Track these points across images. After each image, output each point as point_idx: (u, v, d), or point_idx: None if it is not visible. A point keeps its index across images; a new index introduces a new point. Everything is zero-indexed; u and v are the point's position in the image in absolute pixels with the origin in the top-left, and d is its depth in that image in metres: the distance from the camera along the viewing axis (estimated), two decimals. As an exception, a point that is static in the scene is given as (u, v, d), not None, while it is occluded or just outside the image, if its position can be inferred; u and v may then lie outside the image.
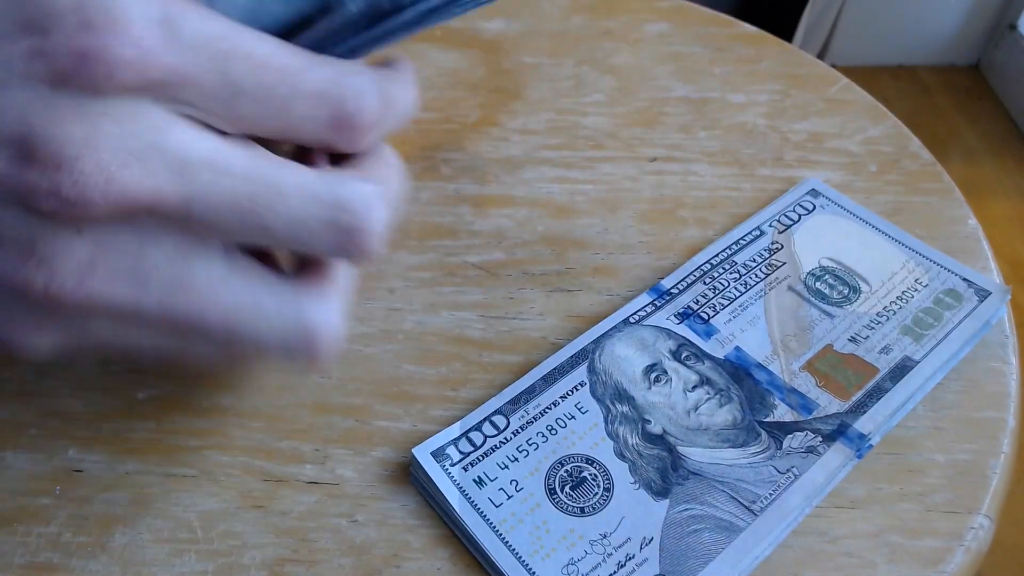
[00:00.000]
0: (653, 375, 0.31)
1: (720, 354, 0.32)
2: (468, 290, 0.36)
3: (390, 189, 0.23)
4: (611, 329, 0.33)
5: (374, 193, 0.22)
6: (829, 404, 0.31)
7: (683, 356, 0.32)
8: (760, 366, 0.32)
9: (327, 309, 0.23)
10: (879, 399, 0.31)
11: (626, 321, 0.33)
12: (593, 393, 0.31)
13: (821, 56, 1.48)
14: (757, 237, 0.37)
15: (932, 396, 0.32)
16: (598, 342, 0.32)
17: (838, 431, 0.30)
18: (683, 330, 0.33)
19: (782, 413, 0.30)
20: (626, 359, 0.32)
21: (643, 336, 0.33)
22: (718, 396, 0.31)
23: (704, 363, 0.32)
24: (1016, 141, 1.48)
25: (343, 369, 0.33)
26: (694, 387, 0.31)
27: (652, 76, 0.46)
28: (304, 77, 0.21)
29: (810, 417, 0.30)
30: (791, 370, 0.32)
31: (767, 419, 0.30)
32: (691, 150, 0.42)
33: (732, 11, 0.52)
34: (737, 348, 0.32)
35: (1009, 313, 0.35)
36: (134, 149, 0.19)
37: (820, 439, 0.29)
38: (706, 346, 0.33)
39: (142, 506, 0.29)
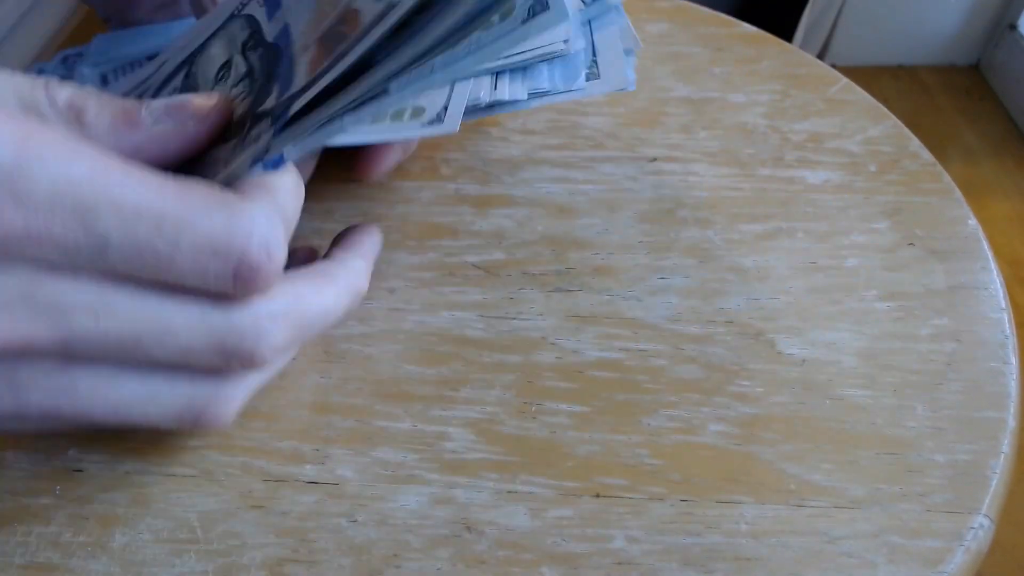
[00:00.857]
0: (221, 73, 0.28)
1: (271, 37, 0.27)
2: (468, 290, 0.36)
3: (300, 302, 0.23)
4: (218, 28, 0.29)
5: (271, 315, 0.21)
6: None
7: (248, 46, 0.28)
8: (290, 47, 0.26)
9: (225, 396, 0.23)
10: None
11: (232, 15, 0.29)
12: None
13: (821, 56, 1.48)
14: None
15: (932, 396, 0.32)
16: (203, 45, 0.29)
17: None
18: (260, 14, 0.28)
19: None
20: (211, 59, 0.28)
21: (232, 31, 0.29)
22: (252, 89, 0.26)
23: (258, 51, 0.27)
24: (1016, 141, 1.48)
25: (343, 369, 0.33)
26: (239, 81, 0.27)
27: (652, 76, 0.46)
28: (189, 229, 0.19)
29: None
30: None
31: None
32: (691, 150, 0.42)
33: (732, 11, 0.52)
34: (286, 26, 0.27)
35: (1009, 313, 0.35)
36: (1, 301, 0.19)
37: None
38: (268, 29, 0.27)
39: (142, 506, 0.29)
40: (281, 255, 0.21)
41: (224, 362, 0.22)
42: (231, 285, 0.20)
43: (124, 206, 0.18)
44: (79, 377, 0.21)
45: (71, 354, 0.20)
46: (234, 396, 0.24)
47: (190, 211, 0.19)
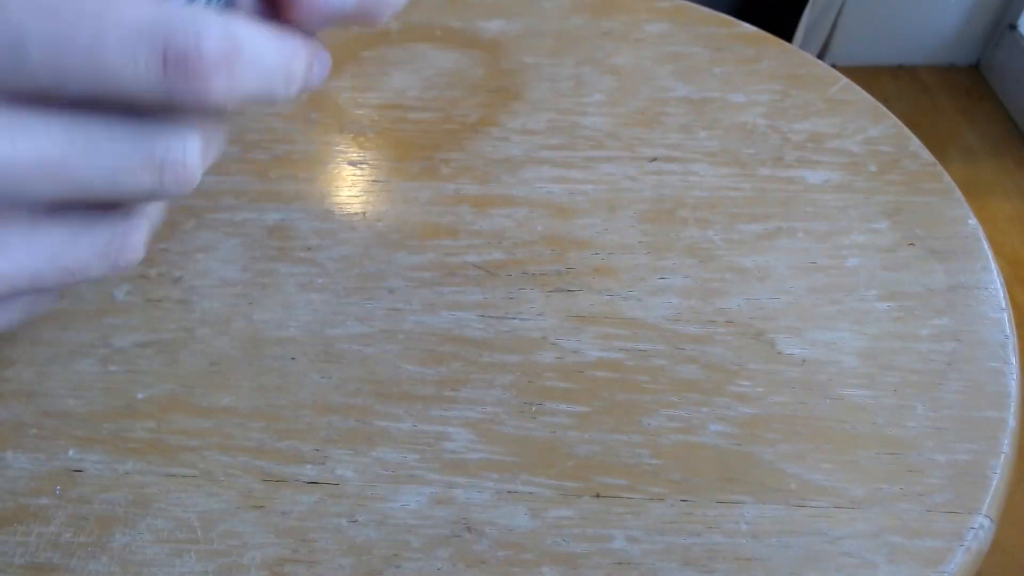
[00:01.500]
0: None
1: None
2: (468, 290, 0.36)
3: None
4: None
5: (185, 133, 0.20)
6: None
7: None
8: None
9: (139, 224, 0.21)
10: None
11: None
12: None
13: (821, 56, 1.48)
14: None
15: (932, 396, 0.32)
16: None
17: None
18: None
19: None
20: None
21: None
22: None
23: None
24: (1016, 141, 1.48)
25: (343, 369, 0.33)
26: None
27: (652, 76, 0.46)
28: (113, 12, 0.17)
29: None
30: None
31: None
32: (691, 150, 0.42)
33: (732, 11, 0.52)
34: None
35: (1009, 313, 0.35)
36: None
37: None
38: None
39: (142, 506, 0.29)
40: (227, 45, 0.18)
41: (157, 178, 0.19)
42: (162, 74, 0.17)
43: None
44: None
45: None
46: (143, 224, 0.21)
47: None
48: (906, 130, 0.44)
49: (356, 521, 0.29)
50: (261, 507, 0.29)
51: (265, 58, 0.19)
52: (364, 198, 0.40)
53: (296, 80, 0.20)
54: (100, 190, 0.19)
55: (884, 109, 0.45)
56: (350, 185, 0.41)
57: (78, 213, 0.20)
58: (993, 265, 0.37)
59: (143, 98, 0.18)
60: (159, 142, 0.19)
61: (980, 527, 0.29)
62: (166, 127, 0.19)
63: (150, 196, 0.20)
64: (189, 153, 0.19)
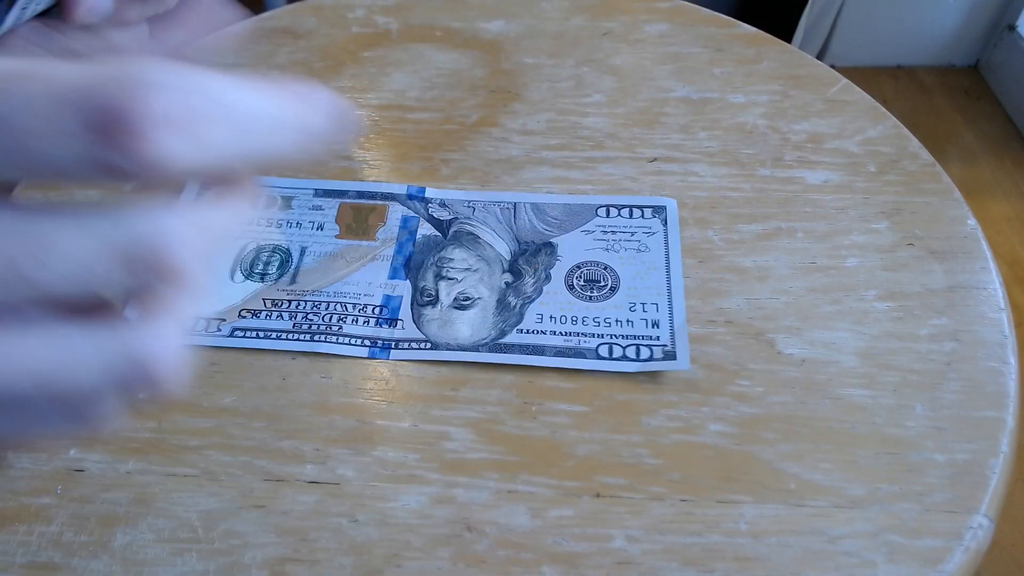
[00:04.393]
0: None
1: None
2: (468, 290, 0.36)
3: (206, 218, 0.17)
4: None
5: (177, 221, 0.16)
6: None
7: None
8: None
9: (156, 333, 0.18)
10: None
11: None
12: None
13: (820, 57, 1.48)
14: None
15: (931, 396, 0.32)
16: None
17: None
18: None
19: None
20: None
21: None
22: None
23: None
24: (1015, 141, 1.48)
25: (343, 369, 0.33)
26: None
27: (652, 76, 0.46)
28: (44, 77, 0.15)
29: None
30: None
31: None
32: (691, 150, 0.42)
33: (732, 12, 0.52)
34: None
35: (1008, 313, 0.35)
36: None
37: None
38: None
39: (143, 506, 0.29)
40: (178, 102, 0.15)
41: (127, 266, 0.16)
42: (99, 137, 0.15)
43: None
44: None
45: None
46: (167, 336, 0.18)
47: (45, 63, 0.15)
48: (905, 130, 0.44)
49: (357, 520, 0.29)
50: (262, 507, 0.29)
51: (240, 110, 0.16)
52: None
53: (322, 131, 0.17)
54: (67, 291, 0.16)
55: (883, 110, 0.45)
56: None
57: (79, 329, 0.17)
58: (992, 265, 0.37)
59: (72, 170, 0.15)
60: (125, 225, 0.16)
61: (979, 526, 0.29)
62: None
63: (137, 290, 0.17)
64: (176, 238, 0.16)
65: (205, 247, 0.17)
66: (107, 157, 0.15)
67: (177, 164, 0.15)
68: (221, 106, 0.16)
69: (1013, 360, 0.33)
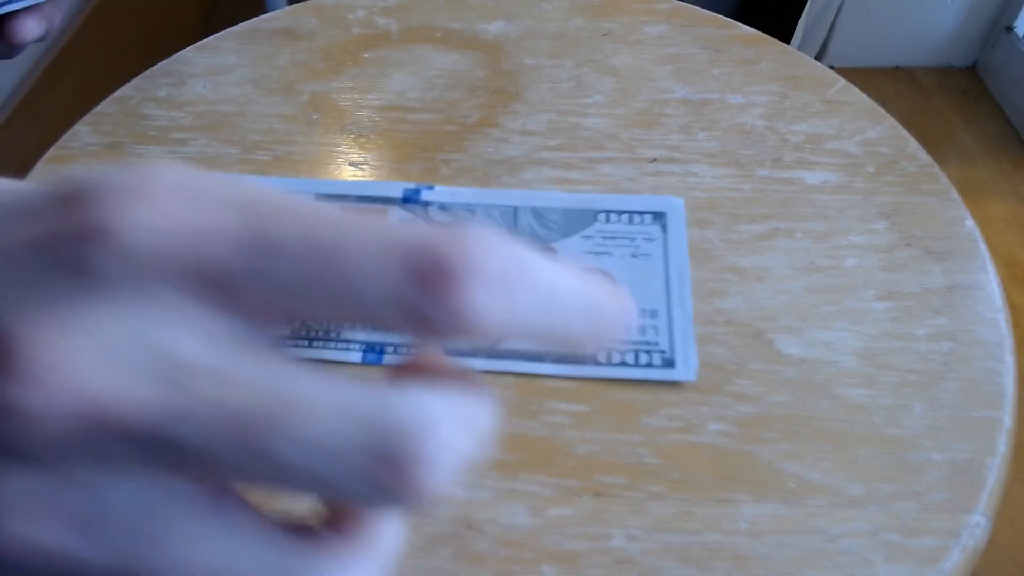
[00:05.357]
0: None
1: None
2: (469, 290, 0.36)
3: (469, 411, 0.15)
4: None
5: (441, 412, 0.15)
6: None
7: None
8: None
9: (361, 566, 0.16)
10: None
11: None
12: None
13: (819, 57, 1.48)
14: None
15: (930, 395, 0.32)
16: None
17: None
18: None
19: None
20: None
21: None
22: None
23: None
24: (1013, 142, 1.48)
25: (342, 367, 0.33)
26: None
27: (651, 77, 0.47)
28: (368, 231, 0.14)
29: None
30: None
31: None
32: (690, 151, 0.42)
33: (731, 12, 0.52)
34: None
35: (1006, 313, 0.35)
36: (121, 350, 0.14)
37: None
38: None
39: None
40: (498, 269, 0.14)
41: (371, 475, 0.14)
42: (415, 283, 0.14)
43: (294, 207, 0.15)
44: (169, 515, 0.15)
45: (174, 443, 0.14)
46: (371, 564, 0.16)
47: (362, 217, 0.15)
48: (904, 131, 0.44)
49: (358, 519, 0.29)
50: (262, 506, 0.29)
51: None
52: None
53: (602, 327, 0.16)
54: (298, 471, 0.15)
55: (882, 110, 0.45)
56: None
57: (267, 542, 0.16)
58: (990, 265, 0.37)
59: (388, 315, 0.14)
60: (391, 429, 0.14)
61: (977, 525, 0.29)
62: (396, 400, 0.14)
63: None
64: (434, 442, 0.14)
65: (465, 455, 0.15)
66: (420, 302, 0.14)
67: (484, 323, 0.14)
68: (536, 276, 0.15)
69: (1011, 360, 0.33)
